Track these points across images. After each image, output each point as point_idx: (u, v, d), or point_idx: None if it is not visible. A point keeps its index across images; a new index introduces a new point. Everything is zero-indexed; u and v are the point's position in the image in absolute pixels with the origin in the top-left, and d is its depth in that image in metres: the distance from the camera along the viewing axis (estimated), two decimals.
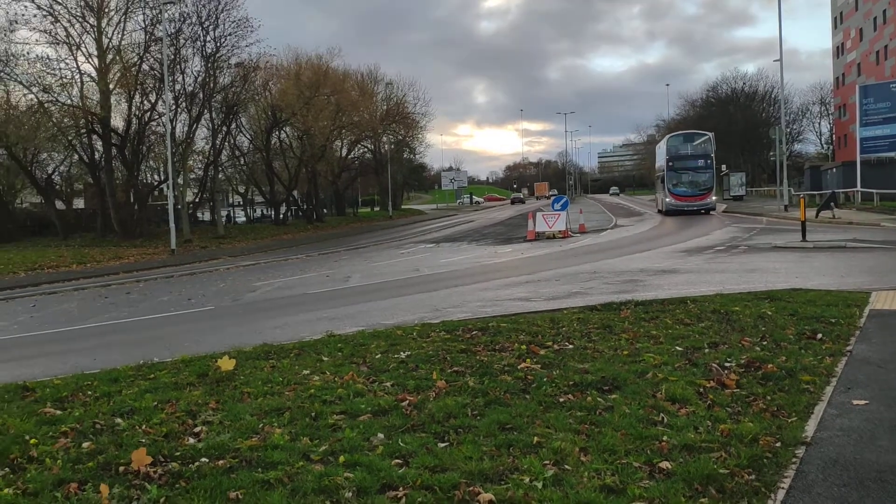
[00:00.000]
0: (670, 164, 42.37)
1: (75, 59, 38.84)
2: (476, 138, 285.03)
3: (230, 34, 42.40)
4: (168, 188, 35.77)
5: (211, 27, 41.93)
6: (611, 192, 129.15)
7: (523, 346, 7.63)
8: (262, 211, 69.39)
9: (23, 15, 37.49)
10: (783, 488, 4.08)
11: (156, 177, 53.54)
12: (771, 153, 59.43)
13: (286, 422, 5.51)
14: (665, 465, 4.36)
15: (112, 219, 40.70)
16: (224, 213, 58.63)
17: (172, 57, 39.26)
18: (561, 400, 5.75)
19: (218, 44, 42.30)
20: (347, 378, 6.70)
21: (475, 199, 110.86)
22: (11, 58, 38.29)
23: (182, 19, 40.68)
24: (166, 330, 12.26)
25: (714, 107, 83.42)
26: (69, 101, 38.54)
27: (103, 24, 38.92)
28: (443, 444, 4.87)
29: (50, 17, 37.65)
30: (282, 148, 56.13)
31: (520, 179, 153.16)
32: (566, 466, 4.41)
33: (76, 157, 44.22)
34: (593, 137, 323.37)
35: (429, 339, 8.46)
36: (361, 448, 4.86)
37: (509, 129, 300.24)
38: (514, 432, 5.04)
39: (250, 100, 48.03)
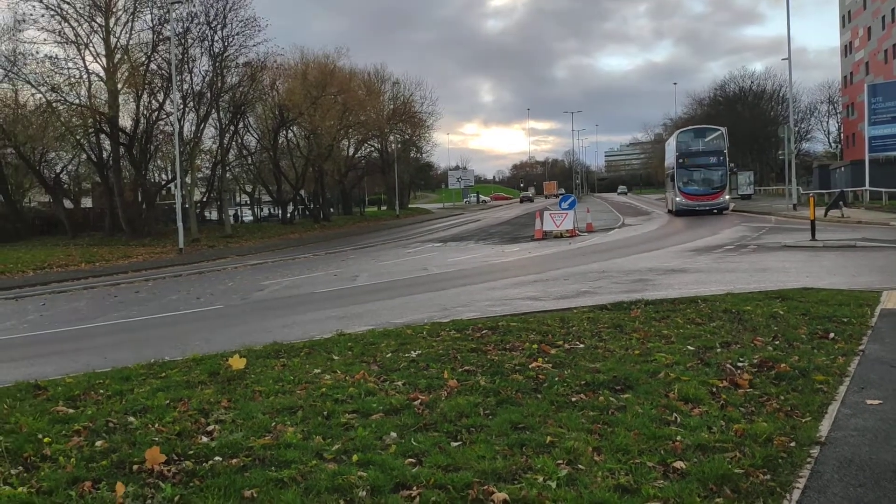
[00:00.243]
0: (680, 161, 40.24)
1: (83, 59, 39.09)
2: (483, 137, 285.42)
3: (238, 34, 42.63)
4: (176, 187, 35.87)
5: (219, 27, 42.15)
6: (619, 191, 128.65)
7: (534, 346, 7.62)
8: (269, 210, 69.55)
9: (31, 14, 37.75)
10: (798, 488, 4.06)
11: (163, 176, 53.69)
12: (779, 152, 59.31)
13: (298, 420, 5.52)
14: (679, 464, 4.35)
15: (120, 218, 40.85)
16: (231, 212, 58.77)
17: (180, 56, 39.37)
18: (573, 399, 5.73)
19: (225, 43, 42.52)
20: (358, 377, 6.70)
21: (482, 198, 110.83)
22: (20, 57, 38.53)
23: (190, 19, 40.93)
24: (176, 329, 12.30)
25: (722, 105, 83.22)
26: (77, 101, 38.75)
27: (111, 24, 39.11)
28: (455, 444, 4.86)
29: (58, 17, 37.88)
30: (289, 147, 56.24)
31: (526, 178, 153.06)
32: (580, 466, 4.40)
33: (84, 156, 44.43)
34: (600, 136, 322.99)
35: (439, 339, 8.45)
36: (374, 447, 4.86)
37: (516, 128, 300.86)
38: (526, 432, 5.03)
39: (258, 99, 48.14)
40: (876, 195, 38.96)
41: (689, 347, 7.30)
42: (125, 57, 39.35)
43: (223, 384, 6.82)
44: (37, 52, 39.04)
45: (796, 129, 62.10)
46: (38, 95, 38.99)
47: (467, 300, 12.93)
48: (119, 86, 39.47)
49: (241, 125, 49.27)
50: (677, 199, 40.06)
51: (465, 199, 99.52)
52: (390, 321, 10.80)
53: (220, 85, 42.70)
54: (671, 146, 44.55)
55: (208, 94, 42.34)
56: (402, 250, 28.39)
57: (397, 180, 68.21)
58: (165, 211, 49.51)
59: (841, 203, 30.98)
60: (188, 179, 42.65)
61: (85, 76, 39.13)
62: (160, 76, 40.56)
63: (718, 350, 7.17)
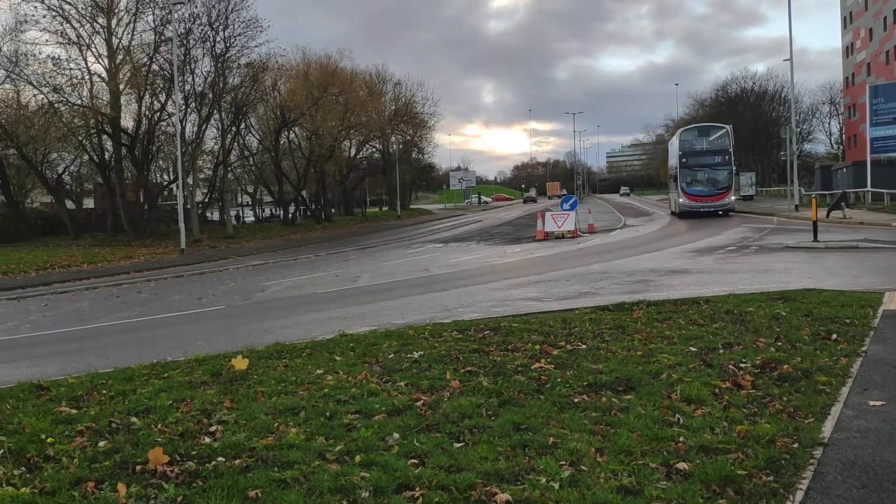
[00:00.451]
0: (683, 160, 38.65)
1: (85, 60, 39.09)
2: (484, 138, 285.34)
3: (240, 34, 42.63)
4: (178, 188, 35.92)
5: (221, 27, 42.14)
6: (621, 192, 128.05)
7: (536, 347, 7.62)
8: (270, 211, 69.57)
9: (32, 15, 37.71)
10: (801, 490, 4.06)
11: (165, 177, 53.77)
12: (781, 153, 59.18)
13: (301, 421, 5.52)
14: (682, 466, 4.35)
15: (122, 218, 40.88)
16: (233, 212, 58.77)
17: (182, 57, 39.39)
18: (575, 400, 5.74)
19: (227, 44, 42.50)
20: (361, 378, 6.71)
21: (483, 198, 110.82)
22: (21, 58, 38.55)
23: (192, 20, 40.90)
24: (178, 329, 12.30)
25: (724, 106, 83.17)
26: (79, 102, 38.76)
27: (113, 25, 39.14)
28: (458, 445, 4.86)
29: (59, 18, 37.89)
30: (290, 148, 56.26)
31: (528, 179, 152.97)
32: (582, 467, 4.40)
33: (86, 157, 44.45)
34: (602, 137, 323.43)
35: (441, 339, 8.46)
36: (377, 448, 4.86)
37: (517, 129, 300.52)
38: (529, 433, 5.04)
39: (259, 100, 48.16)
40: (878, 196, 38.94)
41: (691, 348, 7.30)
42: (127, 58, 39.37)
43: (226, 385, 6.83)
44: (39, 53, 39.11)
45: (798, 130, 62.06)
46: (40, 96, 39.02)
47: (469, 301, 12.93)
48: (121, 87, 39.51)
49: (242, 126, 49.32)
50: (680, 200, 38.55)
51: (466, 200, 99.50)
52: (392, 322, 10.81)
53: (221, 86, 42.71)
54: (674, 145, 43.14)
55: (210, 95, 42.36)
56: (403, 251, 28.40)
57: (399, 181, 68.22)
58: (167, 212, 49.53)
59: (843, 204, 30.99)
60: (190, 180, 42.69)
61: (87, 77, 39.19)
62: (162, 77, 40.58)
63: (721, 351, 7.17)
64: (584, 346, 7.64)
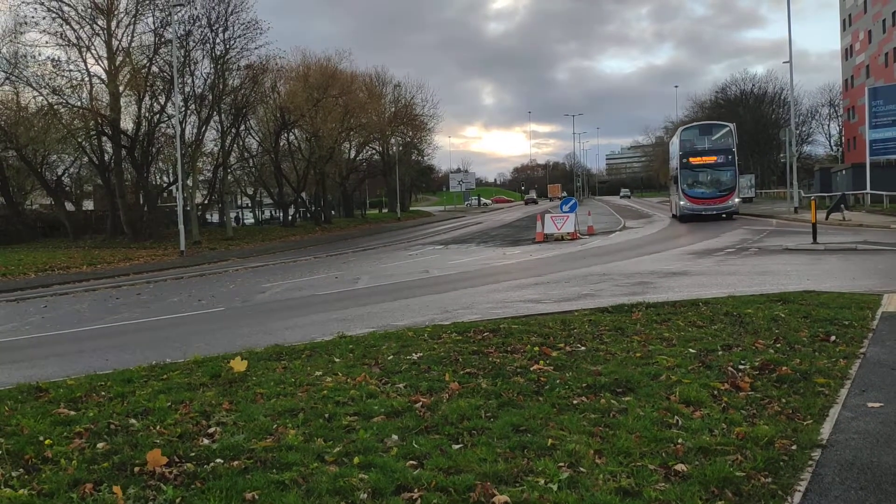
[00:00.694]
0: (684, 160, 36.70)
1: (85, 62, 39.08)
2: (484, 140, 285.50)
3: (239, 36, 42.67)
4: (177, 190, 35.92)
5: (220, 29, 42.18)
6: (621, 194, 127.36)
7: (535, 348, 7.62)
8: (270, 212, 69.54)
9: (32, 17, 37.69)
10: (800, 491, 4.07)
11: (165, 178, 53.79)
12: (780, 155, 59.34)
13: (300, 423, 5.52)
14: (681, 467, 4.35)
15: (122, 220, 40.87)
16: (233, 214, 58.80)
17: (182, 59, 39.41)
18: (574, 402, 5.74)
19: (227, 46, 42.53)
20: (360, 379, 6.71)
21: (483, 200, 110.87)
22: (21, 59, 38.56)
23: (192, 21, 40.94)
24: (177, 331, 12.30)
25: (723, 108, 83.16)
26: (79, 103, 38.75)
27: (113, 26, 39.13)
28: (457, 446, 4.87)
29: (59, 20, 37.88)
30: (290, 150, 56.26)
31: (528, 181, 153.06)
32: (581, 469, 4.40)
33: (86, 158, 44.43)
34: (601, 139, 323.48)
35: (440, 341, 8.46)
36: (376, 449, 4.86)
37: (517, 130, 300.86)
38: (528, 434, 5.04)
39: (259, 102, 48.17)
40: (877, 198, 38.97)
41: (690, 350, 7.30)
42: (127, 59, 39.37)
43: (225, 386, 6.83)
44: (38, 55, 39.13)
45: (797, 132, 62.11)
46: (40, 98, 39.02)
47: (469, 302, 12.93)
48: (121, 88, 39.50)
49: (242, 128, 49.33)
50: (681, 202, 36.69)
51: (466, 202, 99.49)
52: (392, 323, 10.81)
53: (221, 87, 42.73)
54: (674, 145, 41.15)
55: (210, 97, 42.38)
56: (403, 253, 28.40)
57: (398, 183, 68.27)
58: (167, 213, 49.49)
59: (842, 206, 30.98)
60: (190, 182, 42.69)
61: (86, 78, 39.19)
62: (162, 79, 40.59)
63: (720, 353, 7.17)
64: (583, 348, 7.64)
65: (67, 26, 38.16)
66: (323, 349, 8.40)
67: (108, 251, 34.46)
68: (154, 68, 40.17)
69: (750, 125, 76.21)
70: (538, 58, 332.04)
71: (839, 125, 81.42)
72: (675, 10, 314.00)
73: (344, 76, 53.88)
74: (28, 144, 40.16)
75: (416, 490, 4.18)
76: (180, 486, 4.39)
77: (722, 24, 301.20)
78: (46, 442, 5.32)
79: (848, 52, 69.50)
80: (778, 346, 7.38)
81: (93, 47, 39.17)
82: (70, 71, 38.56)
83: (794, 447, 4.63)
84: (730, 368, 6.48)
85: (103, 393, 6.85)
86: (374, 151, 71.16)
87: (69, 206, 48.62)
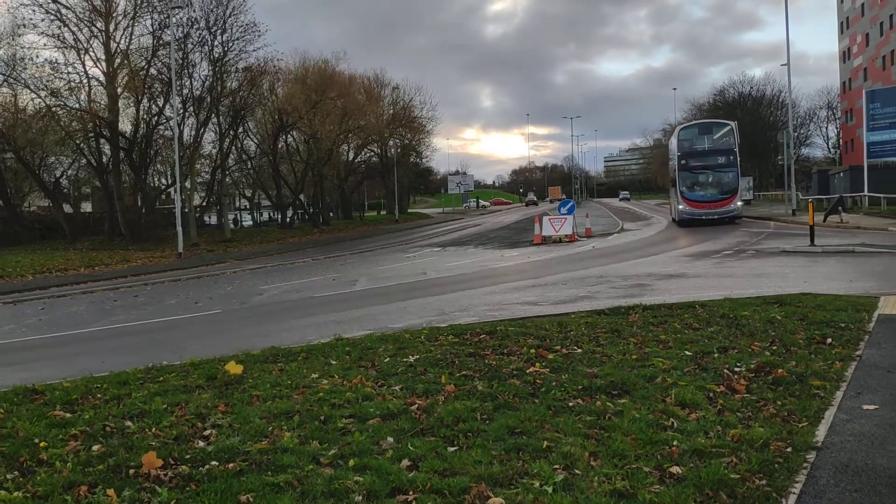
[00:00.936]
0: (683, 162, 34.54)
1: (83, 63, 39.16)
2: (482, 142, 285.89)
3: (237, 39, 42.68)
4: (175, 192, 35.94)
5: (218, 32, 42.20)
6: (620, 196, 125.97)
7: (532, 350, 7.62)
8: (268, 214, 69.51)
9: (30, 19, 37.74)
10: (794, 493, 4.06)
11: (163, 180, 53.83)
12: (778, 157, 59.36)
13: (295, 425, 5.52)
14: (676, 469, 4.35)
15: (120, 222, 40.88)
16: (231, 216, 58.75)
17: (180, 61, 39.42)
18: (570, 404, 5.74)
19: (225, 48, 42.55)
20: (356, 381, 6.70)
21: (481, 202, 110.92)
22: (19, 62, 38.58)
23: (190, 24, 40.97)
24: (174, 333, 12.30)
25: (721, 111, 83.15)
26: (77, 105, 38.79)
27: (111, 28, 39.19)
28: (452, 448, 4.86)
29: (57, 22, 37.91)
30: (288, 152, 56.26)
31: (526, 183, 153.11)
32: (576, 471, 4.40)
33: (84, 160, 44.48)
34: (599, 141, 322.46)
35: (437, 343, 8.45)
36: (371, 452, 4.86)
37: (515, 133, 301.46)
38: (523, 436, 5.04)
39: (257, 104, 48.15)
40: (875, 200, 38.99)
41: (686, 352, 7.30)
42: (125, 61, 39.41)
43: (221, 389, 6.82)
44: (36, 57, 39.21)
45: (795, 134, 62.22)
46: (38, 100, 39.10)
47: (466, 305, 12.93)
48: (119, 90, 39.53)
49: (240, 130, 49.31)
50: (680, 206, 34.45)
51: (464, 204, 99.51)
52: (389, 326, 10.81)
53: (219, 90, 42.73)
54: (672, 145, 38.90)
55: (208, 99, 42.39)
56: (401, 255, 28.40)
57: (397, 185, 68.20)
58: (165, 215, 49.50)
59: (840, 208, 31.01)
60: (188, 184, 42.68)
61: (85, 81, 39.26)
62: (160, 81, 40.63)
63: (716, 355, 7.17)
64: (579, 350, 7.64)
65: (66, 28, 38.28)
66: (319, 351, 8.40)
67: (106, 253, 34.45)
68: (152, 70, 40.25)
69: (748, 128, 76.15)
70: (536, 60, 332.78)
71: (837, 128, 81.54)
72: (674, 13, 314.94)
73: (342, 78, 53.90)
74: (26, 146, 40.18)
75: (410, 492, 4.17)
76: (175, 489, 4.38)
77: (720, 27, 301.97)
78: (42, 444, 5.31)
79: (846, 55, 69.61)
80: (774, 348, 7.38)
81: (91, 49, 39.28)
82: (68, 73, 38.70)
83: (789, 449, 4.63)
84: (726, 371, 6.49)
85: (99, 395, 6.84)
86: (372, 153, 71.16)
87: (67, 208, 48.62)
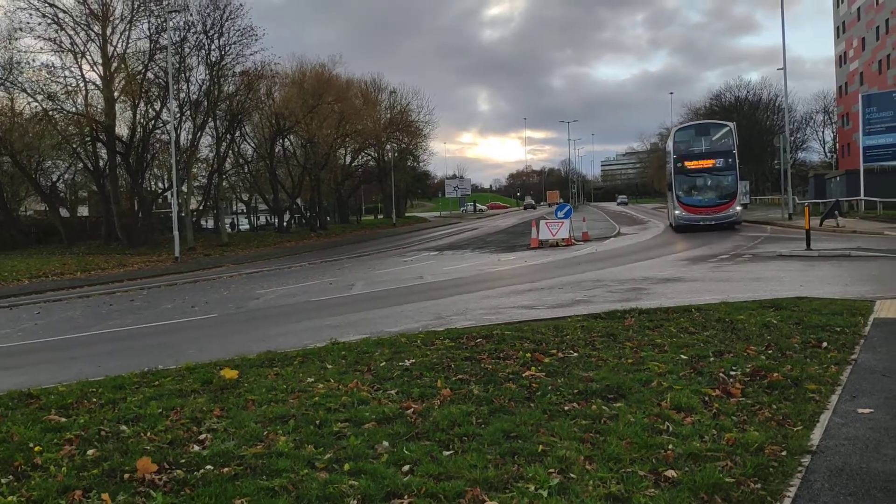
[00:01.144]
0: (679, 165, 33.16)
1: (80, 67, 39.19)
2: (479, 146, 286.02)
3: (234, 43, 42.69)
4: (172, 196, 35.87)
5: (215, 36, 42.21)
6: (618, 200, 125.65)
7: (528, 354, 7.62)
8: (265, 219, 69.54)
9: (27, 23, 37.72)
10: (789, 497, 4.07)
11: (160, 185, 53.75)
12: (775, 161, 59.37)
13: (291, 429, 5.51)
14: (671, 473, 4.36)
15: (116, 226, 40.83)
16: (228, 220, 58.77)
17: (177, 65, 39.44)
18: (566, 408, 5.74)
19: (222, 52, 42.54)
20: (352, 386, 6.70)
21: (479, 206, 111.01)
22: (16, 66, 38.55)
23: (187, 28, 40.98)
24: (170, 337, 12.28)
25: (718, 115, 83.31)
26: (74, 109, 38.79)
27: (108, 32, 39.19)
28: (448, 452, 4.86)
29: (54, 25, 37.90)
30: (285, 156, 56.28)
31: (523, 187, 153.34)
32: (571, 475, 4.40)
33: (80, 164, 44.44)
34: (596, 146, 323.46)
35: (433, 347, 8.45)
36: (366, 456, 4.86)
37: (512, 137, 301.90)
38: (518, 440, 5.04)
39: (254, 108, 48.17)
40: (871, 205, 39.09)
41: (682, 356, 7.31)
42: (122, 65, 39.42)
43: (216, 393, 6.81)
44: (33, 61, 39.19)
45: (792, 138, 62.34)
46: (35, 104, 39.08)
47: (462, 309, 12.93)
48: (116, 94, 39.52)
49: (237, 134, 49.32)
50: (676, 211, 33.23)
51: (462, 208, 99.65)
52: (385, 329, 10.80)
53: (216, 94, 42.74)
54: (669, 147, 37.59)
55: (205, 103, 42.39)
56: (398, 259, 28.39)
57: (394, 189, 68.25)
58: (162, 220, 49.46)
59: (836, 212, 31.05)
60: (184, 188, 42.64)
61: (81, 85, 39.26)
62: (157, 85, 40.60)
63: (711, 359, 7.18)
64: (575, 354, 7.65)
65: (63, 32, 38.31)
66: (315, 355, 8.39)
67: (103, 257, 34.40)
68: (149, 74, 40.25)
69: (744, 132, 76.22)
70: (533, 64, 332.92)
71: (833, 132, 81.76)
72: (670, 17, 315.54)
73: (339, 82, 53.97)
74: (22, 150, 40.18)
75: (405, 496, 4.17)
76: (170, 493, 4.37)
77: (717, 31, 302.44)
78: (36, 449, 5.29)
79: (842, 59, 69.85)
80: (769, 352, 7.40)
81: (88, 53, 39.32)
82: (65, 77, 38.73)
83: (784, 453, 4.64)
84: (721, 375, 6.50)
85: (94, 399, 6.83)
86: (369, 157, 71.23)
87: (63, 213, 48.59)
